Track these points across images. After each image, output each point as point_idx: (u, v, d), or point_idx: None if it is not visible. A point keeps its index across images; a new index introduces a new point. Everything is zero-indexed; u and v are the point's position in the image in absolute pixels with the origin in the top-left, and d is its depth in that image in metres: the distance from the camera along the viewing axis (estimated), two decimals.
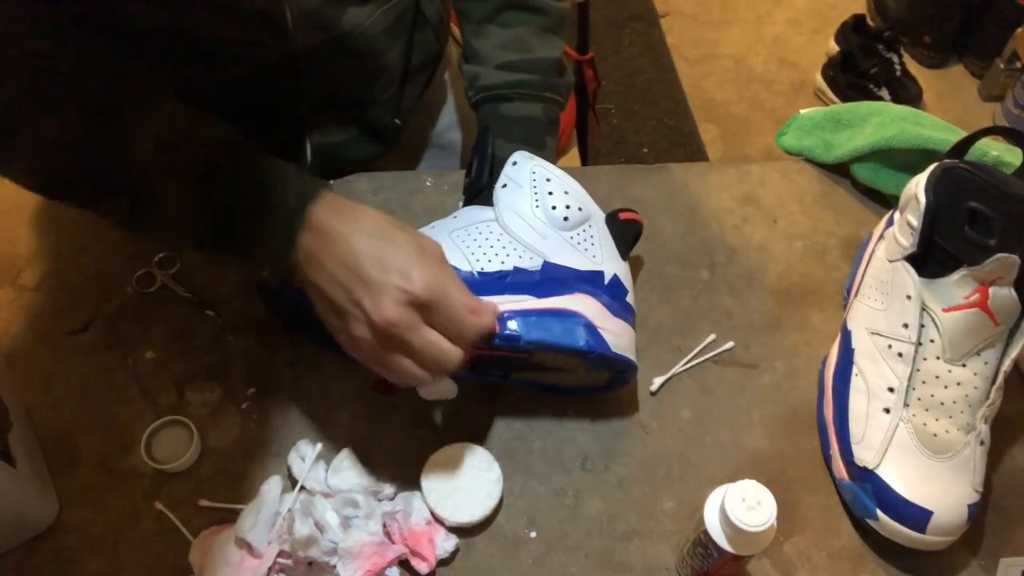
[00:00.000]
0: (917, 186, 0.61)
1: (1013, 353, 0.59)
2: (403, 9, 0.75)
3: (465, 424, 0.66)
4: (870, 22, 2.04)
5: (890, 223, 0.69)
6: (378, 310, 0.52)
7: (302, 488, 0.60)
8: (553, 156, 0.74)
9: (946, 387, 0.59)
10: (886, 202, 0.80)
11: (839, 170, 0.82)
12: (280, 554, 0.57)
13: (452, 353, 0.54)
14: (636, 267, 0.74)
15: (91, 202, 0.58)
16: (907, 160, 0.76)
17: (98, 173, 0.55)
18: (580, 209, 0.64)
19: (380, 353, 0.54)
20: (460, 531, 0.60)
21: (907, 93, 1.92)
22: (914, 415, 0.59)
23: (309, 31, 0.67)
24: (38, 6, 0.54)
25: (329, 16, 0.68)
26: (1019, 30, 1.84)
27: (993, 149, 0.72)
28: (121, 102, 0.55)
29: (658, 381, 0.68)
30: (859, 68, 1.93)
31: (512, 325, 0.58)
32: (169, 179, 0.55)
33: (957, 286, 0.58)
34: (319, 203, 0.54)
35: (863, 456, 0.60)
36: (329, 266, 0.53)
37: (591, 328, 0.60)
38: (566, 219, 0.64)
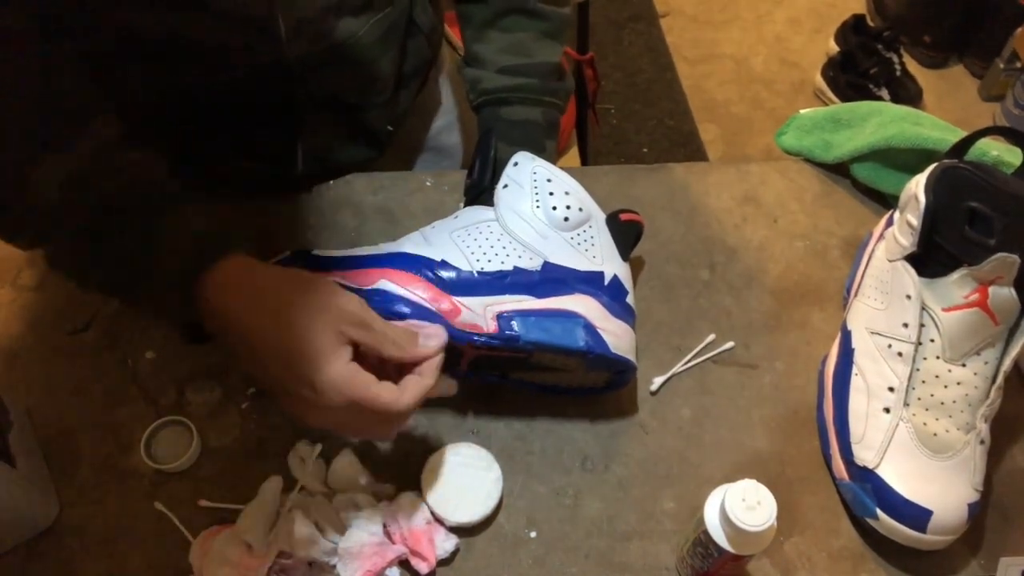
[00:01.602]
0: (917, 186, 0.61)
1: (1013, 353, 0.59)
2: (396, 18, 0.76)
3: (465, 424, 0.66)
4: (870, 22, 2.04)
5: (890, 223, 0.69)
6: (301, 417, 0.52)
7: (302, 488, 0.60)
8: (553, 159, 0.74)
9: (946, 387, 0.59)
10: (886, 202, 0.80)
11: (839, 170, 0.82)
12: (280, 554, 0.56)
13: (386, 431, 0.55)
14: (636, 267, 0.74)
15: (13, 240, 0.58)
16: (907, 160, 0.76)
17: (4, 208, 0.55)
18: (581, 209, 0.64)
19: (339, 425, 0.54)
20: (460, 531, 0.60)
21: (907, 93, 1.92)
22: (914, 415, 0.59)
23: (303, 40, 0.67)
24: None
25: (323, 26, 0.68)
26: (1019, 30, 1.84)
27: (993, 149, 0.72)
28: (21, 143, 0.53)
29: (658, 381, 0.68)
30: (859, 68, 1.93)
31: (512, 325, 0.58)
32: (63, 225, 0.54)
33: (957, 286, 0.58)
34: (214, 273, 0.52)
35: (863, 456, 0.60)
36: (238, 348, 0.53)
37: (590, 329, 0.60)
38: (566, 219, 0.64)
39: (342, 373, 0.49)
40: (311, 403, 0.51)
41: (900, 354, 0.60)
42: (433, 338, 0.54)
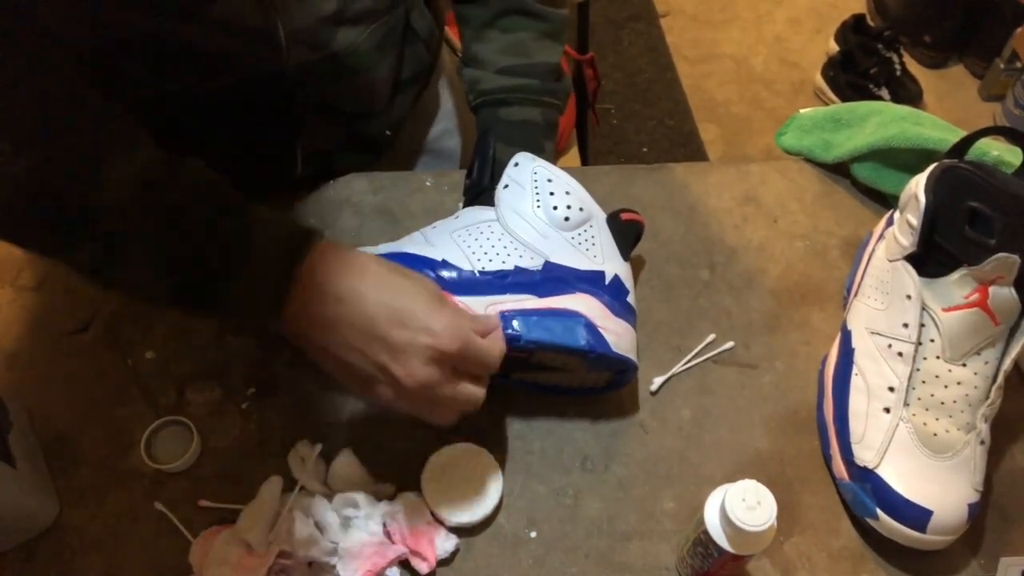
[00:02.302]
0: (917, 186, 0.61)
1: (1013, 352, 0.59)
2: (393, 26, 0.76)
3: (465, 424, 0.65)
4: (870, 22, 2.04)
5: (890, 223, 0.69)
6: (407, 373, 0.51)
7: (302, 488, 0.60)
8: (552, 159, 0.74)
9: (946, 387, 0.59)
10: (886, 202, 0.80)
11: (839, 170, 0.82)
12: (280, 554, 0.56)
13: (480, 395, 0.54)
14: (636, 267, 0.74)
15: (54, 251, 0.54)
16: (907, 160, 0.76)
17: (63, 218, 0.51)
18: (581, 209, 0.64)
19: (409, 407, 0.54)
20: (460, 531, 0.60)
21: (907, 93, 1.92)
22: (914, 415, 0.59)
23: (302, 49, 0.67)
24: (19, 32, 0.50)
25: (322, 36, 0.68)
26: (1019, 30, 1.84)
27: (993, 149, 0.72)
28: (94, 142, 0.51)
29: (658, 381, 0.68)
30: (859, 68, 1.93)
31: (513, 324, 0.58)
32: (139, 226, 0.51)
33: (957, 286, 0.58)
34: (312, 257, 0.51)
35: (863, 456, 0.60)
36: (342, 330, 0.51)
37: (592, 328, 0.60)
38: (567, 219, 0.64)
39: (449, 313, 0.52)
40: (414, 382, 0.51)
41: (900, 354, 0.60)
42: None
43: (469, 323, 0.54)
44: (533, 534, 0.61)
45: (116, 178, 0.50)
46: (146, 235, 0.51)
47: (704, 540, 0.53)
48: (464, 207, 0.69)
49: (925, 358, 0.59)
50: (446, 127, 0.95)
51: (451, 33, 0.99)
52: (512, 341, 0.58)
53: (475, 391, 0.54)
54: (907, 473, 0.58)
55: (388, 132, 0.83)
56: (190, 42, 0.63)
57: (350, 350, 0.52)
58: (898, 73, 1.92)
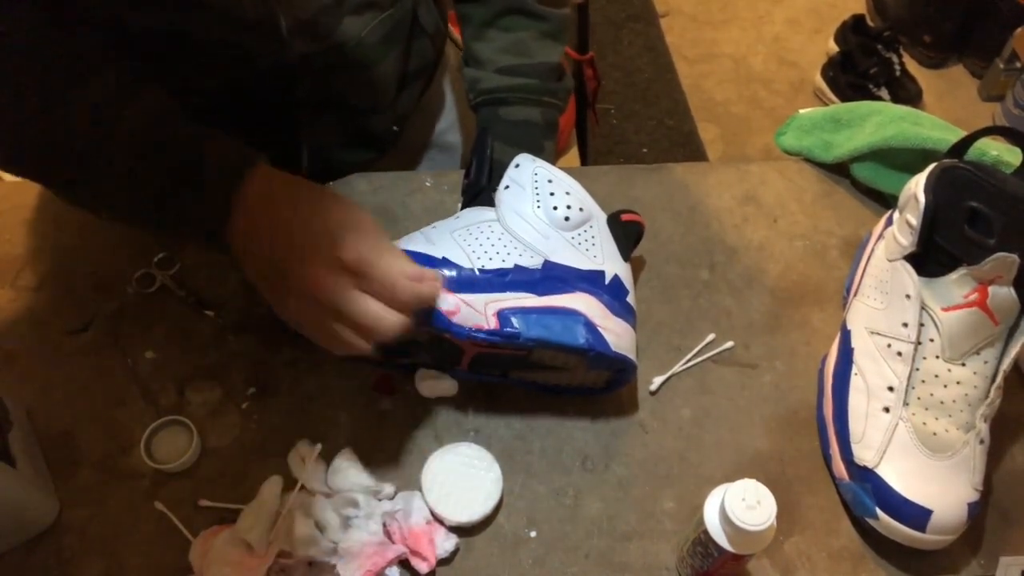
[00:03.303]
0: (916, 186, 0.61)
1: (1013, 352, 0.59)
2: (399, 19, 0.76)
3: (465, 424, 0.66)
4: (870, 22, 2.04)
5: (889, 222, 0.69)
6: (306, 275, 0.51)
7: (302, 488, 0.60)
8: (552, 159, 0.74)
9: (946, 386, 0.59)
10: (885, 202, 0.80)
11: (839, 170, 0.83)
12: (280, 554, 0.56)
13: (388, 319, 0.52)
14: (636, 267, 0.75)
15: (41, 177, 0.60)
16: (906, 160, 0.76)
17: (41, 146, 0.56)
18: (581, 209, 0.65)
19: (317, 323, 0.53)
20: (460, 531, 0.60)
21: (906, 93, 1.92)
22: (914, 414, 0.59)
23: (305, 40, 0.67)
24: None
25: (325, 26, 0.68)
26: (1019, 30, 1.84)
27: (992, 149, 0.72)
28: (58, 74, 0.55)
29: (658, 381, 0.68)
30: (859, 68, 1.93)
31: (512, 322, 0.58)
32: (104, 152, 0.55)
33: (956, 285, 0.58)
34: (252, 176, 0.54)
35: (863, 455, 0.60)
36: (262, 237, 0.53)
37: (591, 327, 0.60)
38: (567, 219, 0.64)
39: (368, 235, 0.53)
40: (312, 283, 0.51)
41: (900, 354, 0.60)
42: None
43: (391, 252, 0.54)
44: (533, 534, 0.61)
45: (76, 105, 0.54)
46: (105, 161, 0.55)
47: (704, 540, 0.53)
48: (463, 207, 0.69)
49: (924, 358, 0.60)
50: (452, 122, 0.95)
51: (453, 30, 0.99)
52: (511, 338, 0.58)
53: (380, 313, 0.52)
54: (907, 473, 0.58)
55: (395, 127, 0.83)
56: (191, 34, 0.63)
57: (265, 255, 0.54)
58: (898, 73, 1.93)
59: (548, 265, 0.62)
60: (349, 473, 0.61)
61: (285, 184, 0.56)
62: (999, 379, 0.59)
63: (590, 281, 0.63)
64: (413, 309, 0.54)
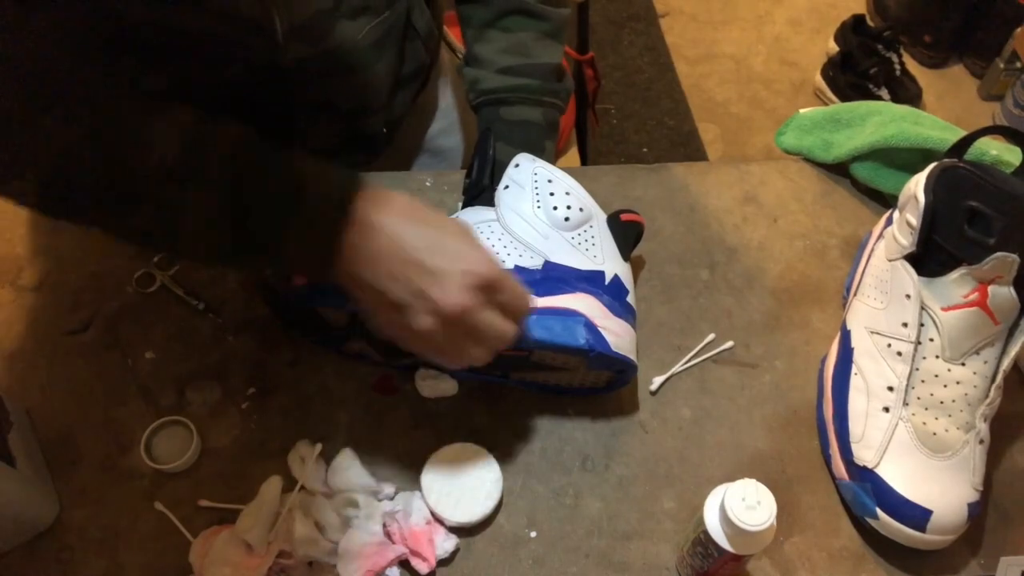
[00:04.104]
0: (916, 185, 0.61)
1: (1012, 352, 0.59)
2: (393, 22, 0.76)
3: (465, 424, 0.66)
4: (870, 22, 2.04)
5: (889, 222, 0.69)
6: (446, 297, 0.51)
7: (302, 488, 0.60)
8: (552, 159, 0.74)
9: (945, 386, 0.59)
10: (885, 201, 0.80)
11: (839, 170, 0.83)
12: (280, 554, 0.57)
13: (510, 330, 0.54)
14: (636, 267, 0.75)
15: (104, 218, 0.54)
16: (906, 159, 0.76)
17: (114, 184, 0.51)
18: (581, 210, 0.64)
19: (443, 341, 0.54)
20: (460, 531, 0.60)
21: (907, 93, 1.92)
22: (913, 414, 0.59)
23: (300, 44, 0.67)
24: (31, 10, 0.51)
25: (320, 29, 0.68)
26: (1019, 29, 1.84)
27: (992, 148, 0.72)
28: (135, 106, 0.52)
29: (658, 380, 0.68)
30: (859, 68, 1.93)
31: None
32: (194, 184, 0.51)
33: (956, 285, 0.58)
34: (360, 197, 0.52)
35: (863, 455, 0.60)
36: (384, 262, 0.52)
37: (592, 327, 0.60)
38: (567, 219, 0.64)
39: (483, 247, 0.54)
40: (453, 305, 0.51)
41: (900, 353, 0.60)
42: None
43: (501, 265, 0.55)
44: (533, 534, 0.61)
45: (160, 139, 0.51)
46: (195, 194, 0.52)
47: (704, 540, 0.53)
48: (464, 207, 0.69)
49: (924, 357, 0.60)
50: (445, 125, 0.95)
51: (451, 33, 0.99)
52: None
53: (507, 325, 0.54)
54: (907, 473, 0.58)
55: (385, 129, 0.83)
56: (185, 31, 0.63)
57: (391, 279, 0.52)
58: (898, 73, 1.92)
59: (548, 266, 0.62)
60: (349, 473, 0.61)
61: (391, 203, 0.54)
62: (999, 379, 0.59)
63: (590, 281, 0.63)
64: (524, 317, 0.56)
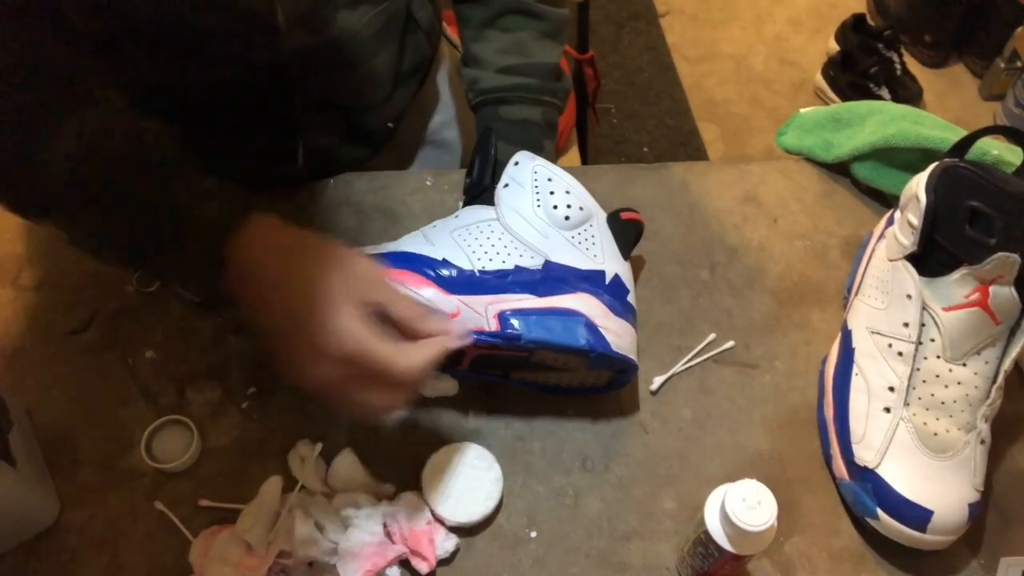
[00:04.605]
0: (917, 185, 0.61)
1: (1014, 352, 0.59)
2: (394, 13, 0.76)
3: (465, 424, 0.66)
4: (870, 21, 2.04)
5: (890, 222, 0.69)
6: (303, 373, 0.51)
7: (302, 488, 0.60)
8: (552, 158, 0.74)
9: (946, 386, 0.59)
10: (886, 201, 0.80)
11: (839, 169, 0.82)
12: (280, 554, 0.56)
13: (389, 400, 0.52)
14: (636, 267, 0.74)
15: (25, 214, 0.57)
16: (907, 159, 0.76)
17: (24, 181, 0.54)
18: (581, 209, 0.64)
19: (323, 395, 0.53)
20: (460, 531, 0.60)
21: (907, 92, 1.92)
22: (914, 414, 0.59)
23: (300, 33, 0.67)
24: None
25: (320, 19, 0.68)
26: (1019, 29, 1.84)
27: (993, 148, 0.72)
28: (44, 102, 0.53)
29: (658, 381, 0.68)
30: (859, 67, 1.93)
31: (513, 323, 0.58)
32: (78, 193, 0.53)
33: (957, 285, 0.58)
34: (240, 235, 0.52)
35: (863, 455, 0.60)
36: (255, 310, 0.53)
37: (592, 327, 0.59)
38: (567, 219, 0.64)
39: (347, 324, 0.50)
40: (312, 379, 0.51)
41: (900, 354, 0.60)
42: (445, 320, 0.55)
43: (374, 329, 0.51)
44: (533, 534, 0.61)
45: (49, 150, 0.52)
46: (83, 203, 0.54)
47: (704, 540, 0.53)
48: (464, 206, 0.69)
49: (925, 358, 0.59)
50: (446, 118, 0.95)
51: (449, 30, 0.99)
52: (512, 340, 0.58)
53: (381, 397, 0.52)
54: (907, 473, 0.58)
55: (390, 124, 0.83)
56: (187, 24, 0.63)
57: (264, 329, 0.53)
58: (898, 73, 1.92)
59: (548, 265, 0.62)
60: (349, 473, 0.61)
61: (277, 244, 0.53)
62: (1000, 379, 0.59)
63: (590, 281, 0.63)
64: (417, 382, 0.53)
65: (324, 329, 0.50)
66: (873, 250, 0.68)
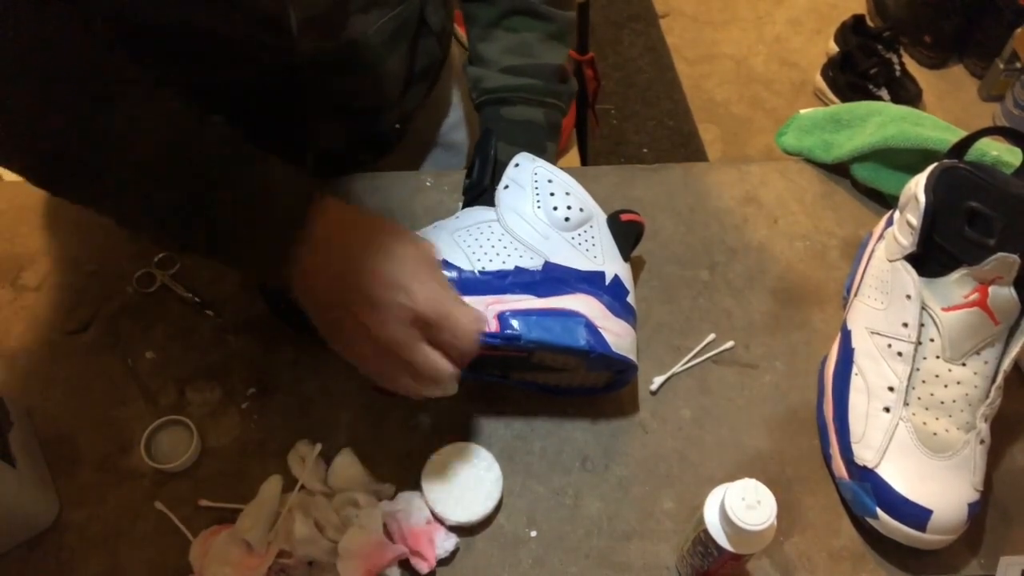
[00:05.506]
0: (917, 186, 0.61)
1: (1013, 352, 0.59)
2: (406, 18, 0.76)
3: (465, 424, 0.66)
4: (870, 22, 2.04)
5: (890, 223, 0.69)
6: (380, 328, 0.51)
7: (302, 488, 0.60)
8: (554, 160, 0.74)
9: (946, 386, 0.59)
10: (886, 202, 0.80)
11: (839, 170, 0.83)
12: (280, 554, 0.57)
13: (448, 372, 0.54)
14: (636, 267, 0.75)
15: (84, 200, 0.57)
16: (907, 160, 0.76)
17: (89, 169, 0.53)
18: (581, 210, 0.64)
19: (379, 367, 0.54)
20: (460, 531, 0.60)
21: (907, 93, 1.92)
22: (914, 414, 0.59)
23: (313, 37, 0.67)
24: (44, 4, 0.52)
25: (333, 23, 0.68)
26: (1019, 30, 1.84)
27: (993, 149, 0.72)
28: (116, 94, 0.52)
29: (658, 381, 0.68)
30: (859, 68, 1.93)
31: (513, 324, 0.58)
32: (163, 181, 0.53)
33: (957, 285, 0.58)
34: (316, 215, 0.53)
35: (863, 455, 0.60)
36: (328, 283, 0.53)
37: (592, 328, 0.60)
38: (567, 220, 0.64)
39: (435, 281, 0.54)
40: (386, 338, 0.52)
41: (900, 354, 0.60)
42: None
43: (454, 299, 0.54)
44: (533, 534, 0.61)
45: (139, 131, 0.52)
46: (164, 191, 0.53)
47: (704, 539, 0.53)
48: (464, 207, 0.69)
49: (925, 358, 0.60)
50: (456, 120, 0.95)
51: (459, 29, 0.99)
52: (512, 340, 0.58)
53: (442, 364, 0.53)
54: (907, 472, 0.58)
55: (398, 125, 0.83)
56: (200, 29, 0.63)
57: (333, 301, 0.53)
58: (898, 73, 1.93)
59: (548, 266, 0.62)
60: (349, 473, 0.61)
61: (350, 225, 0.54)
62: (999, 379, 0.59)
63: (590, 282, 0.63)
64: (467, 355, 0.55)
65: (401, 289, 0.52)
66: (872, 251, 0.68)
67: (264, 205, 0.53)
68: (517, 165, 0.66)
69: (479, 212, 0.65)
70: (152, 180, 0.53)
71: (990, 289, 0.57)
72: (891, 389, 0.60)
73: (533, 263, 0.62)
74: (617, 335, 0.61)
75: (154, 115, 0.53)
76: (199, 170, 0.53)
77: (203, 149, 0.54)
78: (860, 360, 0.63)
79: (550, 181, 0.65)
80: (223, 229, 0.54)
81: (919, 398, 0.59)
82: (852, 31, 2.00)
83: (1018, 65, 1.88)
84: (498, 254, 0.62)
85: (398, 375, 0.54)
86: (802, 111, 0.85)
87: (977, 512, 0.58)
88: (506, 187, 0.65)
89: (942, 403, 0.59)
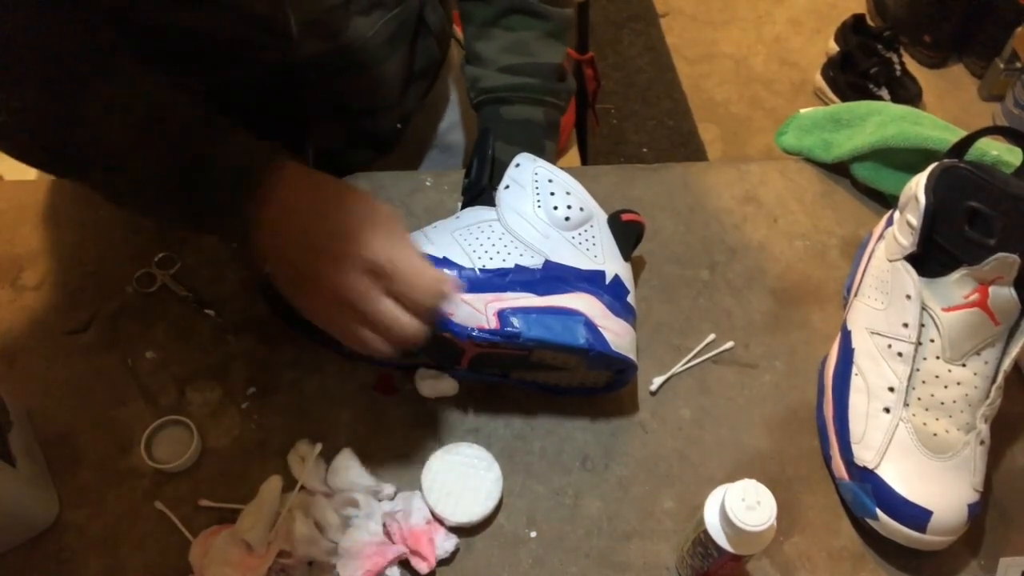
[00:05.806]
0: (917, 186, 0.61)
1: (1013, 352, 0.59)
2: (405, 19, 0.76)
3: (465, 424, 0.66)
4: (870, 22, 2.04)
5: (890, 223, 0.69)
6: (333, 277, 0.52)
7: (302, 488, 0.60)
8: (553, 159, 0.74)
9: (946, 387, 0.59)
10: (886, 202, 0.80)
11: (839, 170, 0.83)
12: (280, 554, 0.56)
13: (409, 324, 0.53)
14: (636, 267, 0.74)
15: (64, 173, 0.60)
16: (907, 160, 0.76)
17: (60, 142, 0.55)
18: (582, 209, 0.65)
19: (340, 323, 0.54)
20: (460, 531, 0.60)
21: (907, 93, 1.92)
22: (914, 415, 0.59)
23: (313, 40, 0.67)
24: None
25: (333, 25, 0.68)
26: (1019, 30, 1.84)
27: (993, 149, 0.72)
28: (73, 68, 0.54)
29: (658, 381, 0.68)
30: (859, 68, 1.93)
31: (513, 321, 0.58)
32: (120, 148, 0.55)
33: (957, 285, 0.58)
34: (277, 176, 0.54)
35: (863, 456, 0.60)
36: (286, 237, 0.54)
37: (592, 326, 0.60)
38: (568, 219, 0.64)
39: (390, 233, 0.54)
40: (339, 287, 0.52)
41: (900, 354, 0.60)
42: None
43: (413, 253, 0.54)
44: (533, 534, 0.61)
45: (91, 100, 0.54)
46: (128, 155, 0.55)
47: (704, 540, 0.53)
48: (463, 206, 0.69)
49: (925, 358, 0.60)
50: (454, 120, 0.95)
51: (457, 29, 0.99)
52: (512, 338, 0.58)
53: (398, 314, 0.53)
54: (907, 473, 0.58)
55: (398, 125, 0.83)
56: (200, 31, 0.63)
57: (291, 255, 0.54)
58: (898, 73, 1.93)
59: (549, 265, 0.62)
60: (349, 473, 0.61)
61: (310, 185, 0.55)
62: (999, 379, 0.59)
63: (591, 281, 0.63)
64: (431, 312, 0.55)
65: (356, 240, 0.52)
66: (872, 250, 0.68)
67: (213, 161, 0.55)
68: (518, 165, 0.66)
69: (479, 212, 0.65)
70: (131, 155, 0.55)
71: (990, 289, 0.57)
72: (891, 389, 0.60)
73: (533, 262, 0.62)
74: (617, 334, 0.61)
75: (106, 82, 0.54)
76: (173, 142, 0.55)
77: (175, 124, 0.55)
78: (860, 360, 0.63)
79: (550, 181, 0.65)
80: (177, 187, 0.55)
81: (919, 399, 0.59)
82: (852, 31, 2.00)
83: (1018, 65, 1.88)
84: (498, 252, 0.62)
85: (356, 328, 0.54)
86: (802, 111, 0.85)
87: (977, 513, 0.58)
88: (507, 187, 0.65)
89: (942, 404, 0.59)
